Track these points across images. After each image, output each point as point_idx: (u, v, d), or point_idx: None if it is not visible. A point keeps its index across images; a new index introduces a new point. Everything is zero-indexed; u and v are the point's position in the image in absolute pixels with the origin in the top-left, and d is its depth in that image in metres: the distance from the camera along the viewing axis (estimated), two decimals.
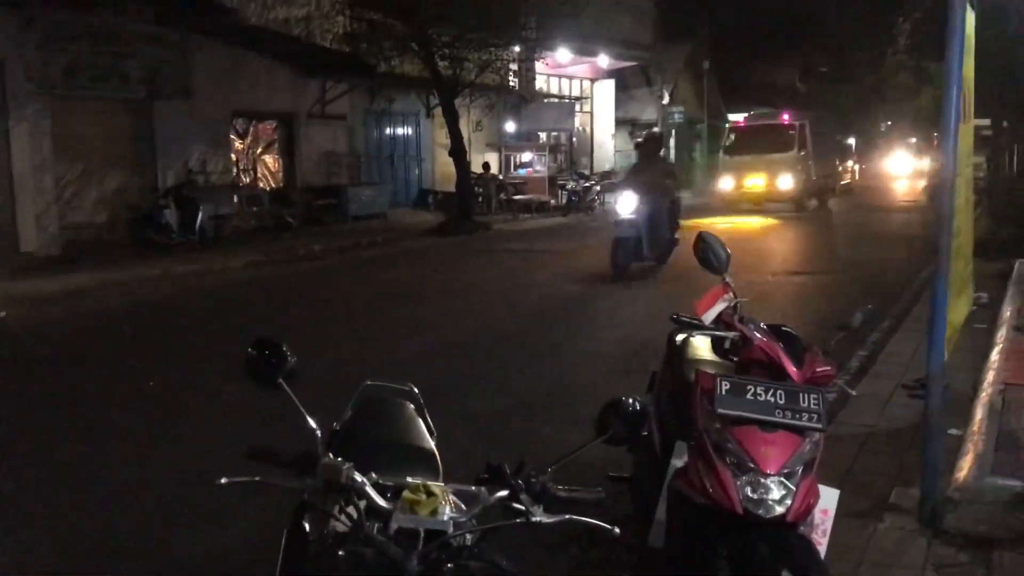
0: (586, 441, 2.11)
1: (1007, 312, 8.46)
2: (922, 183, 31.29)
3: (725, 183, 24.95)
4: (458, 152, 19.38)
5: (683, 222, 13.86)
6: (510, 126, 25.68)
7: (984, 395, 5.64)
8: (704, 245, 3.35)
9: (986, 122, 18.79)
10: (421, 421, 2.89)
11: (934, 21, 40.00)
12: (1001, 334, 7.50)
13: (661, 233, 12.67)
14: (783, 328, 3.18)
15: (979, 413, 5.24)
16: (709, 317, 3.15)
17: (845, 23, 45.85)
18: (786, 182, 23.90)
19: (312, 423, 2.10)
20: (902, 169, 43.90)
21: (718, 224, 18.74)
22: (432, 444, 2.73)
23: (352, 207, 19.91)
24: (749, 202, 24.36)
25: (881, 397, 6.25)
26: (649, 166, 13.20)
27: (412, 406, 2.98)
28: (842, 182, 32.32)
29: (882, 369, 7.10)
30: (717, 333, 3.14)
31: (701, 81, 33.85)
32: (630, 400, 2.12)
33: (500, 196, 23.29)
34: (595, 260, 14.62)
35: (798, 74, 51.61)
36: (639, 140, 15.71)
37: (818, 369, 3.09)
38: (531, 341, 8.65)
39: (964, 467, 4.42)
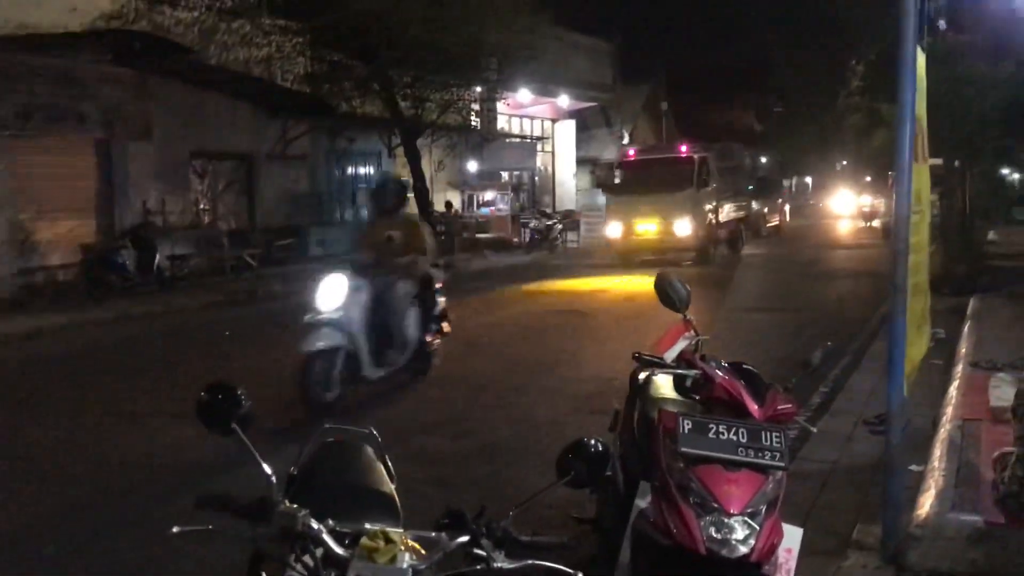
0: (548, 484, 2.07)
1: (963, 348, 8.59)
2: (873, 222, 31.12)
3: (612, 230, 20.53)
4: (420, 191, 19.39)
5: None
6: (472, 165, 25.79)
7: (943, 431, 5.69)
8: (664, 283, 3.35)
9: (938, 161, 19.20)
10: (381, 465, 2.83)
11: (886, 63, 41.10)
12: (958, 370, 7.60)
13: (399, 334, 7.95)
14: (744, 366, 3.19)
15: (939, 449, 5.28)
16: (671, 355, 3.15)
17: (799, 65, 46.88)
18: (683, 227, 19.53)
19: (267, 469, 2.04)
20: (846, 208, 41.95)
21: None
22: (392, 489, 2.68)
23: (313, 247, 19.80)
24: (642, 252, 20.17)
25: (842, 433, 6.29)
26: (384, 229, 8.29)
27: (372, 449, 2.92)
28: (769, 223, 29.97)
29: (843, 405, 7.14)
30: (679, 371, 3.13)
31: (660, 122, 34.34)
32: (592, 441, 2.09)
33: (463, 235, 23.31)
34: (559, 297, 14.67)
35: (755, 115, 52.60)
36: (372, 189, 10.29)
37: (779, 407, 3.10)
38: (495, 380, 8.58)
39: (926, 503, 4.44)
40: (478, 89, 20.67)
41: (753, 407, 2.97)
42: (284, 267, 18.43)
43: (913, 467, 5.03)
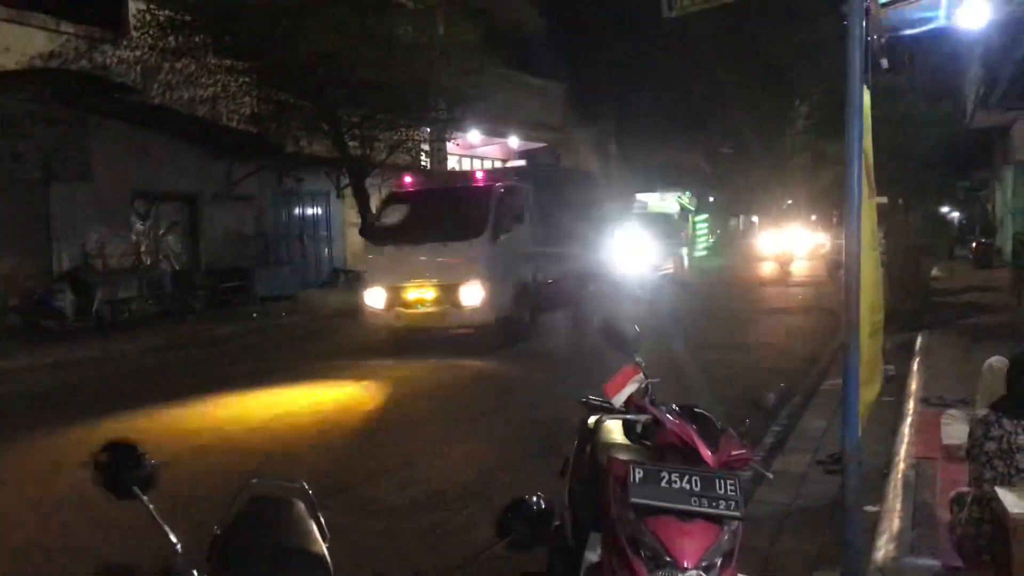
0: (487, 545, 1.89)
1: (914, 384, 8.59)
2: (801, 264, 30.46)
3: (373, 297, 13.33)
4: (368, 232, 19.14)
5: None
6: None
7: (897, 470, 5.62)
8: (610, 325, 3.21)
9: (883, 199, 19.55)
10: (312, 522, 2.63)
11: (829, 103, 42.13)
12: (909, 407, 7.57)
13: None
14: (696, 409, 3.05)
15: (894, 489, 5.19)
16: (620, 399, 3.00)
17: (746, 106, 47.76)
18: (472, 294, 12.77)
19: (172, 536, 1.84)
20: (771, 249, 38.01)
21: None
22: (324, 549, 2.48)
23: (260, 288, 19.45)
24: (415, 329, 13.47)
25: (796, 475, 6.18)
26: None
27: (302, 505, 2.72)
28: (664, 271, 25.27)
29: (795, 446, 7.04)
30: (628, 416, 2.98)
31: (610, 162, 34.60)
32: (533, 499, 1.92)
33: None
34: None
35: (703, 155, 53.37)
36: None
37: (733, 452, 2.96)
38: (442, 424, 8.37)
39: (884, 546, 4.33)
40: (428, 129, 20.60)
41: (706, 453, 2.83)
42: (230, 309, 18.06)
43: (869, 508, 4.93)
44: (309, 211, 23.07)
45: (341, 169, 20.01)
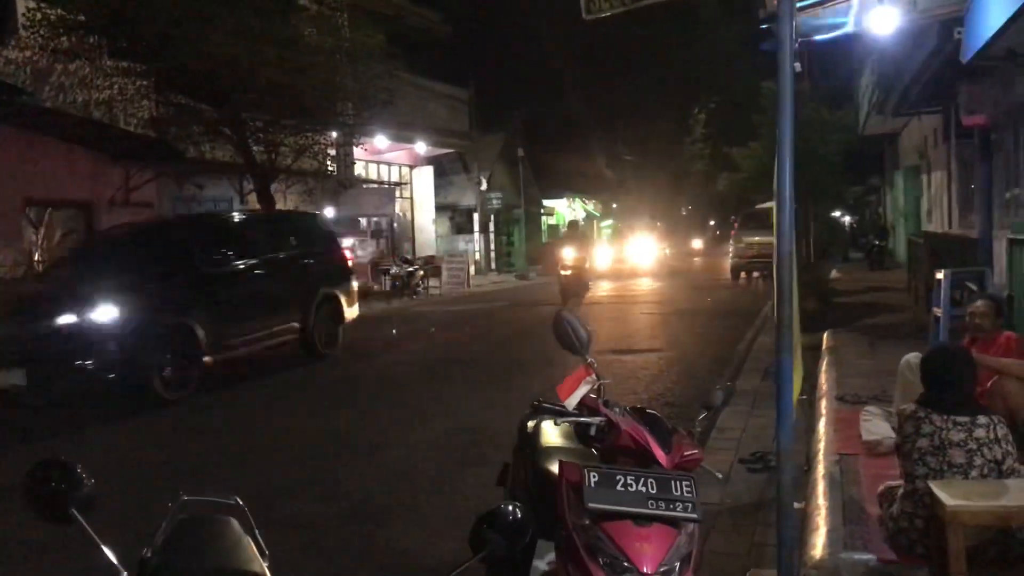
0: (465, 561, 1.78)
1: (824, 383, 8.80)
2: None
3: None
4: None
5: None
6: (329, 211, 25.22)
7: (821, 467, 5.71)
8: (563, 324, 3.14)
9: (767, 205, 20.13)
10: (249, 540, 2.46)
11: (725, 112, 43.18)
12: (823, 404, 7.74)
13: None
14: (647, 411, 3.00)
15: (820, 485, 5.27)
16: (572, 402, 2.92)
17: (646, 114, 48.68)
18: None
19: (114, 559, 1.68)
20: (646, 258, 37.83)
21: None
22: (263, 568, 2.32)
23: None
24: None
25: (721, 473, 6.23)
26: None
27: (237, 523, 2.55)
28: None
29: (716, 445, 7.11)
30: (582, 419, 2.91)
31: (517, 168, 34.72)
32: (509, 508, 1.82)
33: None
34: (425, 345, 14.34)
35: (606, 162, 54.13)
36: None
37: (686, 453, 2.92)
38: (361, 434, 8.17)
39: (817, 543, 4.37)
40: (334, 134, 20.22)
41: (661, 455, 2.78)
42: None
43: (796, 505, 4.99)
44: None
45: (245, 175, 19.47)
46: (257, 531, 2.51)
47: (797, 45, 5.64)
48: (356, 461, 7.18)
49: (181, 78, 16.35)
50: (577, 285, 17.47)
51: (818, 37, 7.71)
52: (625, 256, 37.34)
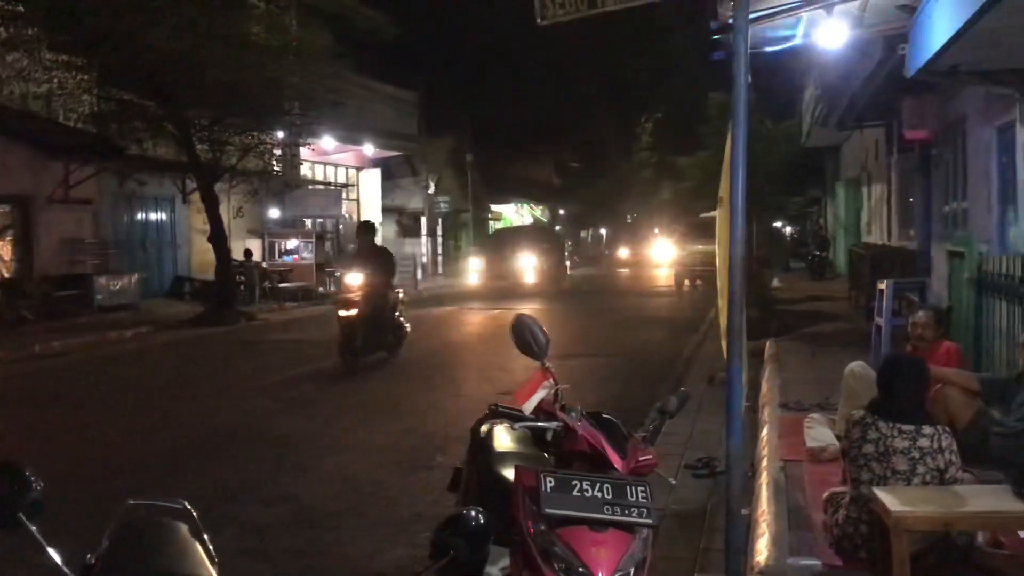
0: (424, 567, 1.75)
1: (768, 390, 8.91)
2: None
3: None
4: (217, 238, 18.41)
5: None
6: (274, 212, 24.94)
7: (766, 473, 5.77)
8: (522, 328, 3.11)
9: (711, 214, 20.37)
10: (198, 545, 2.39)
11: (671, 122, 43.66)
12: (767, 412, 7.83)
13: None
14: (603, 415, 3.00)
15: (765, 492, 5.32)
16: (530, 406, 2.90)
17: (594, 122, 49.07)
18: None
19: (62, 565, 1.61)
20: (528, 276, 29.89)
21: None
22: (212, 572, 2.26)
23: (99, 298, 18.32)
24: None
25: (674, 480, 6.27)
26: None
27: (186, 527, 2.48)
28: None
29: (662, 450, 7.13)
30: (539, 424, 2.89)
31: (465, 173, 34.70)
32: (472, 513, 1.79)
33: (264, 284, 22.32)
34: None
35: (554, 169, 54.41)
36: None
37: (641, 458, 2.92)
38: (306, 438, 8.05)
39: (762, 549, 4.40)
40: (280, 134, 19.99)
41: (617, 460, 2.77)
42: (67, 320, 16.90)
43: (742, 511, 5.03)
44: (153, 216, 21.95)
45: (188, 173, 19.14)
46: (205, 535, 2.45)
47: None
48: (301, 465, 7.07)
49: (124, 73, 16.03)
50: (370, 330, 11.68)
51: (768, 49, 7.82)
52: (510, 269, 30.00)
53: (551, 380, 2.99)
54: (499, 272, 28.55)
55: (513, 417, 2.94)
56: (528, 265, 28.82)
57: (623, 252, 49.70)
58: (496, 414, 3.00)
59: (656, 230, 55.93)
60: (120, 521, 2.42)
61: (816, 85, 18.73)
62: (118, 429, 8.61)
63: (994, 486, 3.98)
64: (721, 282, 4.64)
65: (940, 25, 6.42)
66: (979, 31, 5.93)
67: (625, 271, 40.98)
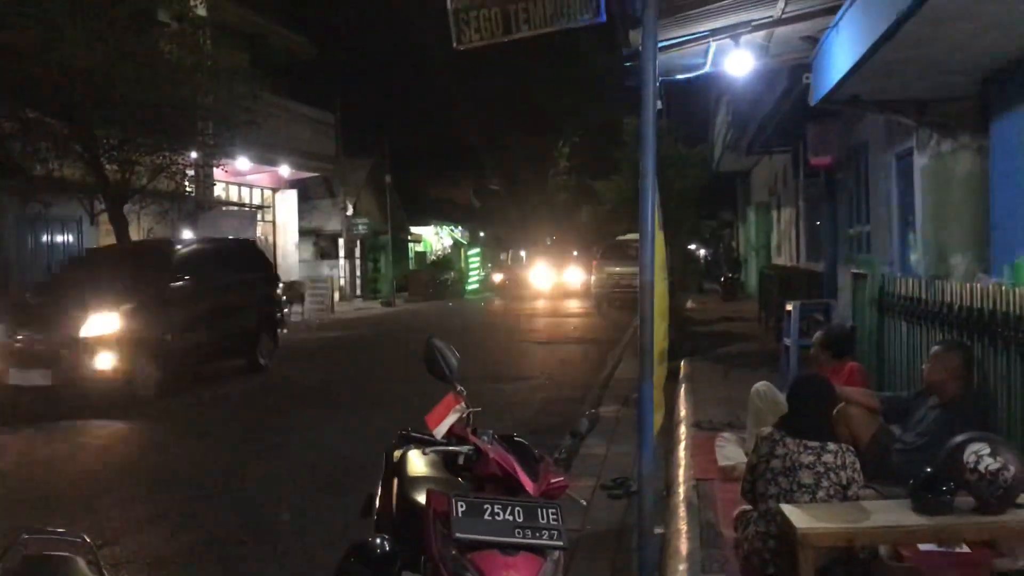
0: None
1: (682, 410, 9.07)
2: None
3: None
4: None
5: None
6: (186, 234, 24.34)
7: (680, 492, 5.86)
8: (432, 351, 3.11)
9: (635, 236, 20.69)
10: None
11: (588, 145, 44.26)
12: (681, 431, 7.97)
13: None
14: (515, 438, 3.01)
15: (680, 510, 5.40)
16: (441, 430, 2.89)
17: (511, 145, 49.45)
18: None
19: None
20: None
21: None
22: None
23: None
24: None
25: (582, 500, 6.30)
26: None
27: (83, 562, 2.40)
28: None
29: (578, 471, 7.20)
30: (451, 448, 2.88)
31: (384, 194, 34.48)
32: (378, 540, 1.78)
33: None
34: (284, 372, 13.96)
35: (473, 191, 54.55)
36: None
37: (552, 480, 2.94)
38: (214, 465, 7.85)
39: (676, 568, 4.47)
40: (193, 154, 19.56)
41: (528, 483, 2.78)
42: None
43: (657, 530, 5.10)
44: (59, 238, 21.20)
45: (96, 194, 18.56)
46: (104, 570, 2.38)
47: (658, 84, 5.85)
48: (209, 493, 6.90)
49: (29, 90, 15.49)
50: None
51: (678, 76, 8.02)
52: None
53: (462, 404, 2.98)
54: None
55: (424, 442, 2.93)
56: None
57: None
58: (406, 439, 2.99)
59: (575, 252, 56.41)
60: (15, 554, 2.34)
61: (727, 111, 19.26)
62: (29, 454, 8.27)
63: (895, 501, 4.11)
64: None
65: (840, 57, 6.68)
66: (877, 63, 6.20)
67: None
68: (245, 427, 9.69)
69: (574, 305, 30.63)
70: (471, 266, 46.97)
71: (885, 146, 9.81)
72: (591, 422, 3.27)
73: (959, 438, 3.98)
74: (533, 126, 48.60)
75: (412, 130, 40.59)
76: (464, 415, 2.98)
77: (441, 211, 47.86)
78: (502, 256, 56.98)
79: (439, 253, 45.70)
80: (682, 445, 7.30)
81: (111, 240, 18.51)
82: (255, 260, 15.56)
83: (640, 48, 4.58)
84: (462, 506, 2.63)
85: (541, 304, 32.24)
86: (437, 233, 48.03)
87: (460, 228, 50.97)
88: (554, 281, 40.16)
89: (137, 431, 9.66)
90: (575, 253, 55.52)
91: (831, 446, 4.06)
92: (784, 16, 7.32)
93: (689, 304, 23.99)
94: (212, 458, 8.15)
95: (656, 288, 4.41)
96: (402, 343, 17.61)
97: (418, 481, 3.41)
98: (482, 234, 53.86)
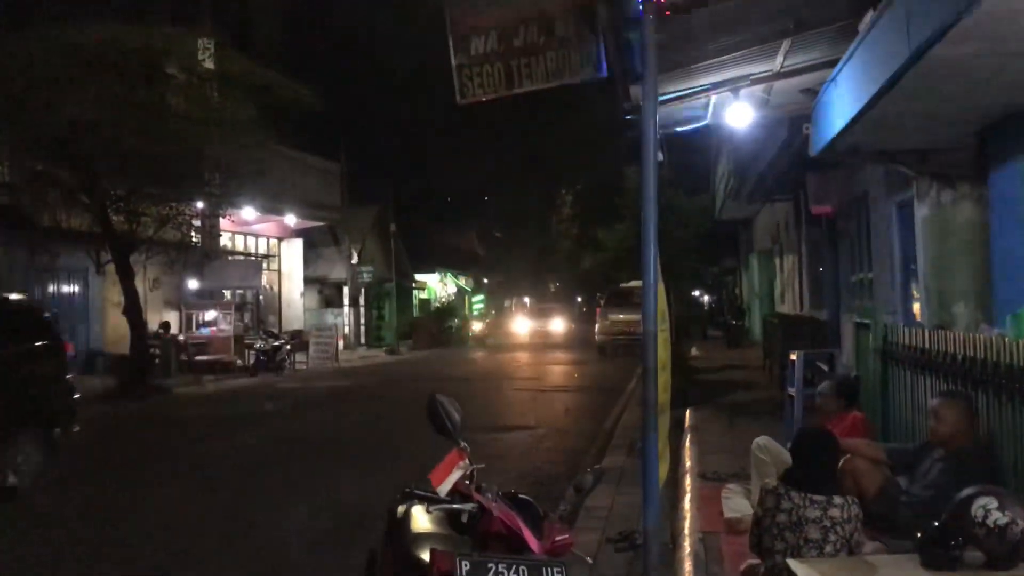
0: None
1: (687, 460, 9.00)
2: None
3: None
4: (132, 312, 17.97)
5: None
6: (192, 283, 24.46)
7: (686, 545, 5.80)
8: (436, 407, 3.12)
9: (638, 283, 20.69)
10: None
11: (591, 193, 44.51)
12: (687, 482, 7.90)
13: None
14: (519, 496, 3.01)
15: (686, 564, 5.34)
16: (445, 488, 2.89)
17: (515, 193, 49.80)
18: None
19: None
20: None
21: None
22: None
23: None
24: None
25: (588, 553, 6.22)
26: None
27: None
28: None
29: (584, 525, 7.14)
30: (454, 506, 2.88)
31: (388, 242, 34.67)
32: None
33: (180, 357, 21.78)
34: (287, 423, 13.93)
35: (477, 239, 54.80)
36: None
37: (557, 538, 2.94)
38: (218, 517, 7.81)
39: None
40: (200, 204, 19.74)
41: (533, 541, 2.78)
42: None
43: None
44: (65, 289, 21.30)
45: (103, 244, 18.70)
46: None
47: (659, 136, 5.91)
48: (214, 546, 6.85)
49: (39, 142, 15.69)
50: None
51: (678, 129, 8.12)
52: None
53: (466, 460, 2.99)
54: None
55: (427, 499, 2.93)
56: None
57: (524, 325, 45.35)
58: (411, 496, 2.99)
59: (579, 298, 56.39)
60: None
61: (728, 160, 19.42)
62: (34, 512, 8.24)
63: (903, 555, 4.07)
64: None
65: (839, 109, 6.76)
66: (875, 115, 6.28)
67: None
68: (247, 480, 9.64)
69: (577, 351, 30.57)
70: (475, 313, 47.03)
71: (886, 195, 9.88)
72: (595, 477, 3.27)
73: (966, 491, 3.95)
74: (537, 173, 49.03)
75: (417, 178, 40.94)
76: (468, 472, 2.98)
77: (445, 258, 48.06)
78: (506, 303, 57.03)
79: (443, 300, 45.77)
80: (688, 497, 7.23)
81: (118, 290, 18.62)
82: (29, 325, 9.98)
83: (641, 103, 4.64)
84: (466, 565, 2.62)
85: (544, 351, 32.20)
86: (442, 280, 48.16)
87: (464, 275, 51.13)
88: (557, 328, 40.12)
89: (141, 483, 9.59)
90: (579, 299, 55.57)
91: (837, 499, 4.05)
92: (783, 70, 7.43)
93: (693, 351, 23.92)
94: (216, 510, 8.11)
95: (658, 337, 4.41)
96: (406, 392, 17.57)
97: (422, 539, 3.40)
98: (486, 281, 53.99)
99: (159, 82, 17.08)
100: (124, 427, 14.20)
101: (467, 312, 46.31)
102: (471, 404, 15.67)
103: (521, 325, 42.17)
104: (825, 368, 9.14)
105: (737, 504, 6.19)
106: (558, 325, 40.11)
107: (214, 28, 20.67)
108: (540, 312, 42.92)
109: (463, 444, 3.06)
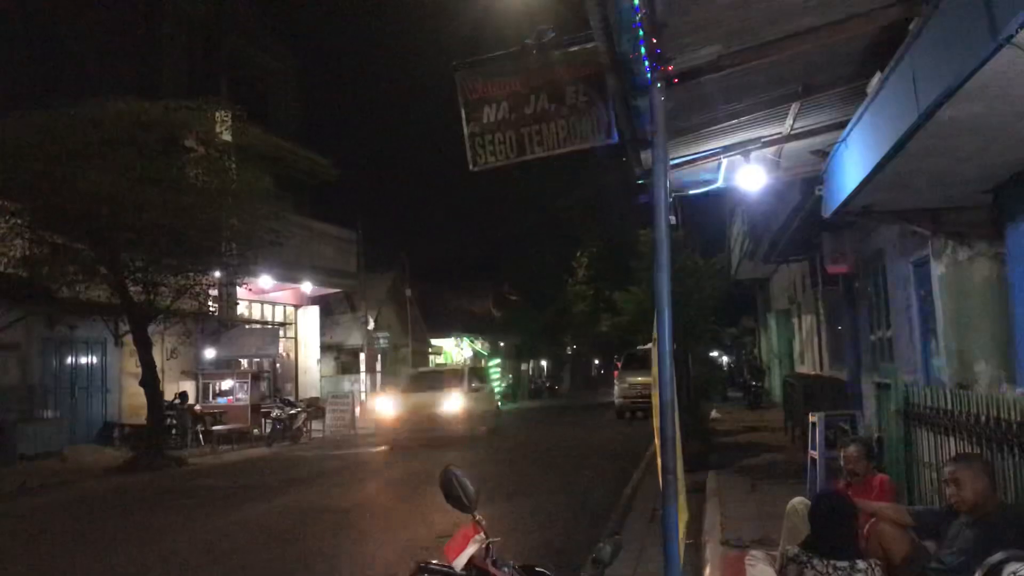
0: None
1: (709, 525, 8.85)
2: None
3: None
4: (149, 382, 18.01)
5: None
6: (209, 352, 24.53)
7: None
8: (451, 479, 3.08)
9: (648, 346, 20.59)
10: None
11: (606, 256, 44.58)
12: (709, 549, 7.76)
13: None
14: (536, 569, 2.95)
15: None
16: (460, 562, 2.84)
17: (530, 256, 50.00)
18: None
19: None
20: None
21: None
22: None
23: (21, 446, 17.63)
24: None
25: None
26: None
27: None
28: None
29: None
30: None
31: (404, 307, 34.77)
32: None
33: (197, 427, 21.73)
34: (303, 492, 13.80)
35: (492, 302, 54.84)
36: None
37: None
38: None
39: None
40: (217, 274, 19.90)
41: None
42: None
43: None
44: (83, 360, 21.41)
45: (120, 315, 18.83)
46: None
47: (671, 199, 5.94)
48: None
49: (58, 216, 15.93)
50: None
51: (691, 192, 8.16)
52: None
53: (481, 534, 2.94)
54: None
55: (444, 574, 2.87)
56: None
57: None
58: (427, 570, 2.93)
59: (595, 361, 56.04)
60: None
61: (742, 221, 19.45)
62: None
63: None
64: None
65: (851, 170, 6.78)
66: (888, 175, 6.29)
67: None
68: (263, 551, 9.52)
69: (596, 415, 30.31)
70: (492, 376, 46.83)
71: (901, 254, 9.84)
72: (614, 549, 3.20)
73: (997, 556, 3.86)
74: (552, 236, 49.24)
75: (432, 243, 41.28)
76: (483, 545, 2.93)
77: (461, 322, 48.08)
78: (523, 366, 56.76)
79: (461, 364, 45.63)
80: (710, 564, 7.10)
81: (135, 360, 18.70)
82: None
83: (652, 168, 4.67)
84: None
85: (560, 415, 31.95)
86: (457, 344, 48.10)
87: (480, 339, 51.04)
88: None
89: (143, 552, 9.49)
90: (596, 362, 55.28)
91: (860, 564, 3.96)
92: (793, 132, 7.48)
93: (713, 414, 23.67)
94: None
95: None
96: (421, 460, 17.41)
97: None
98: (502, 344, 53.87)
99: (177, 155, 17.36)
100: (135, 499, 14.10)
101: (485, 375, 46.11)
102: (486, 470, 15.56)
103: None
104: (847, 429, 9.01)
105: (761, 572, 6.02)
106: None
107: (231, 100, 21.11)
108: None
109: (478, 517, 3.01)
